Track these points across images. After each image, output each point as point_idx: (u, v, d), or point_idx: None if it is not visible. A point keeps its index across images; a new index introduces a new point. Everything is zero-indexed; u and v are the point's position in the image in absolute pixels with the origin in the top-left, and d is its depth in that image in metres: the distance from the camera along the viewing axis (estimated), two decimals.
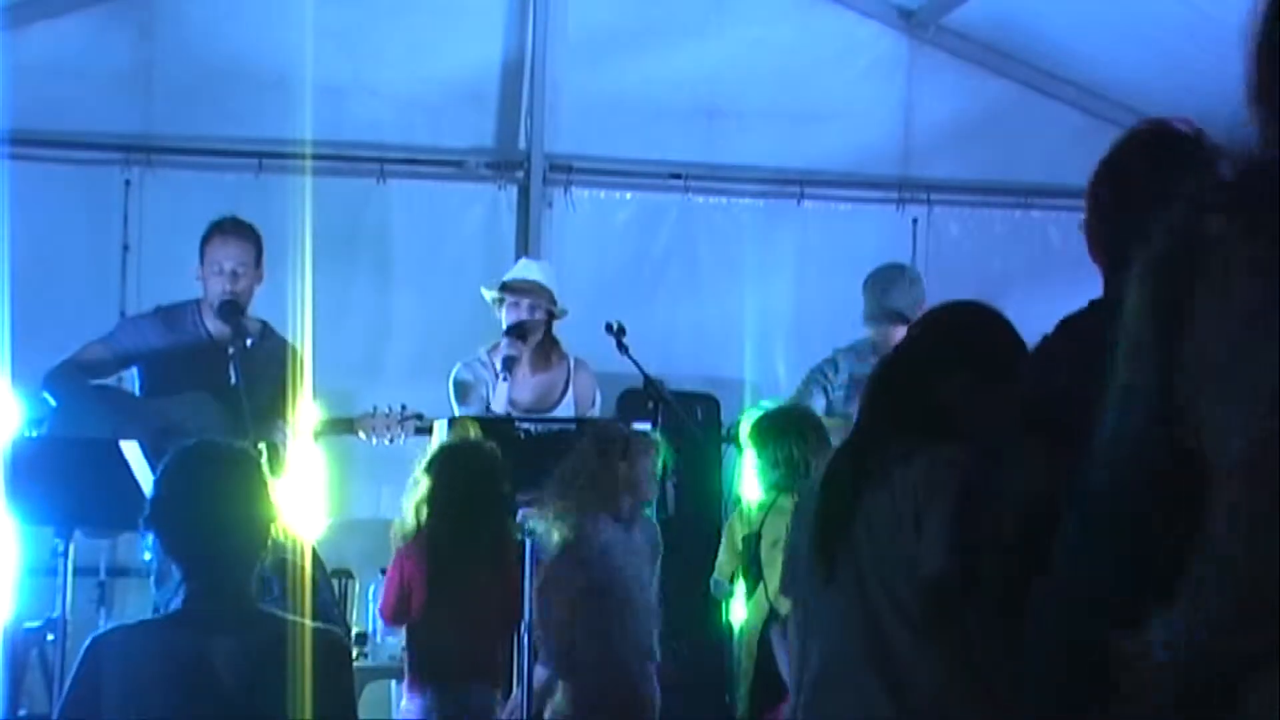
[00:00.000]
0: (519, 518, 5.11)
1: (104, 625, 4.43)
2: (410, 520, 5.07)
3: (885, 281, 6.57)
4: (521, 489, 5.10)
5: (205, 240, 5.79)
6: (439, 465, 5.05)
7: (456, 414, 6.09)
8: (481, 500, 5.00)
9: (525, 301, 6.22)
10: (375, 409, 5.83)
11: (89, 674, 3.04)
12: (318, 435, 5.81)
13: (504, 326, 6.24)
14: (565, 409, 6.24)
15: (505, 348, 6.17)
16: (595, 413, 6.27)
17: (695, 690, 6.36)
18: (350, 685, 3.23)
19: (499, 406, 6.13)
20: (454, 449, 5.15)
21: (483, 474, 5.00)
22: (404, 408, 5.84)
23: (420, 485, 5.04)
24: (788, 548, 3.61)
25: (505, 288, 6.28)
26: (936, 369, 3.34)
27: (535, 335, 6.25)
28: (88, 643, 3.09)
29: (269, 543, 3.13)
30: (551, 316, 6.31)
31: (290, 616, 3.18)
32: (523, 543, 5.08)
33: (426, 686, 5.05)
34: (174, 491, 3.13)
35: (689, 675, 6.23)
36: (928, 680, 3.15)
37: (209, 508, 3.10)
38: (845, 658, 3.25)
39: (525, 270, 6.41)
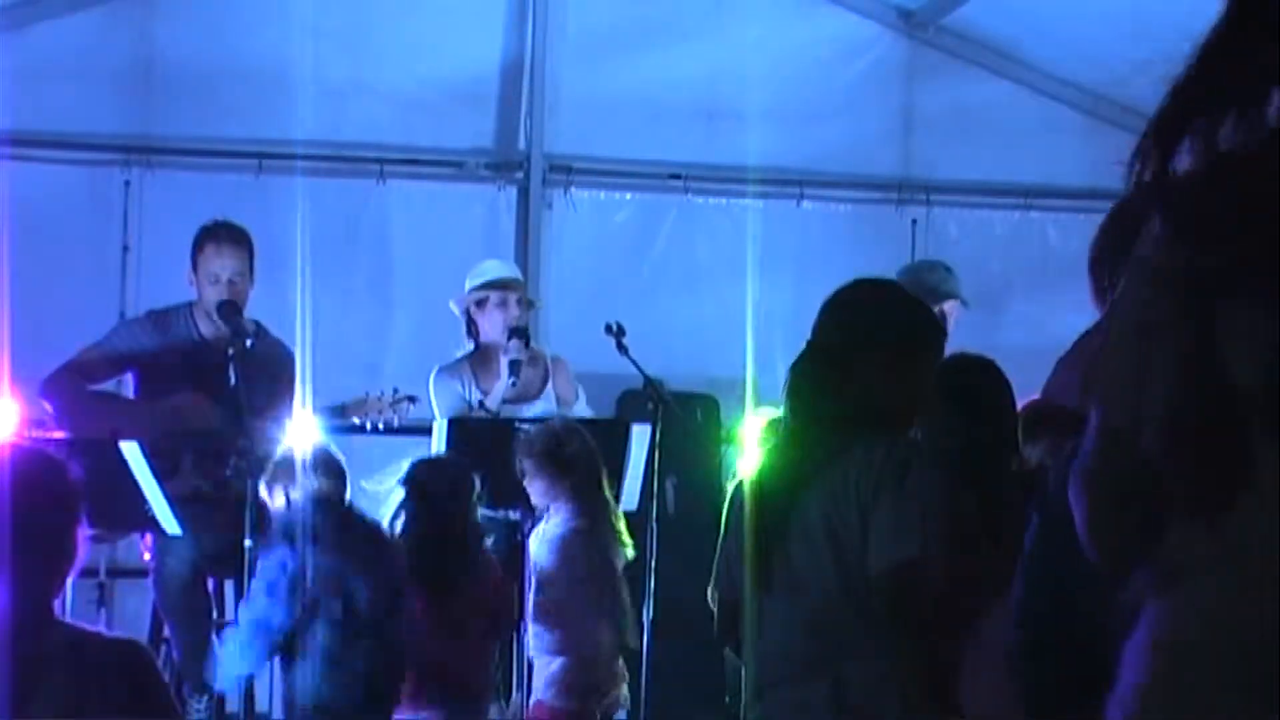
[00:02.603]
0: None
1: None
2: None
3: (914, 271, 6.62)
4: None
5: (198, 247, 5.77)
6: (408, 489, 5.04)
7: (433, 397, 6.13)
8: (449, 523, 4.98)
9: (514, 296, 6.28)
10: (368, 394, 5.90)
11: None
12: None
13: (494, 326, 6.22)
14: (545, 400, 6.24)
15: (513, 351, 6.10)
16: (582, 406, 6.29)
17: (695, 690, 6.36)
18: (159, 696, 3.06)
19: (494, 403, 6.12)
20: (424, 468, 5.11)
21: (448, 497, 4.98)
22: (395, 391, 5.88)
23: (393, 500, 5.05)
24: (721, 548, 3.54)
25: (491, 285, 6.28)
26: (853, 352, 3.27)
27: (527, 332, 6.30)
28: None
29: (72, 551, 3.05)
30: (530, 307, 6.46)
31: (86, 626, 3.08)
32: (520, 545, 5.08)
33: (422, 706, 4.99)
34: None
35: (689, 675, 6.23)
36: (869, 677, 3.12)
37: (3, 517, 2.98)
38: (785, 660, 3.22)
39: (503, 269, 6.44)
